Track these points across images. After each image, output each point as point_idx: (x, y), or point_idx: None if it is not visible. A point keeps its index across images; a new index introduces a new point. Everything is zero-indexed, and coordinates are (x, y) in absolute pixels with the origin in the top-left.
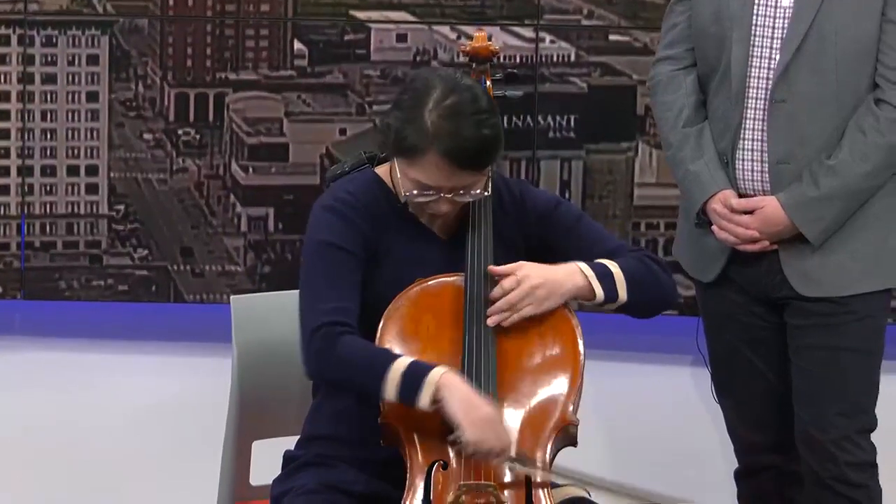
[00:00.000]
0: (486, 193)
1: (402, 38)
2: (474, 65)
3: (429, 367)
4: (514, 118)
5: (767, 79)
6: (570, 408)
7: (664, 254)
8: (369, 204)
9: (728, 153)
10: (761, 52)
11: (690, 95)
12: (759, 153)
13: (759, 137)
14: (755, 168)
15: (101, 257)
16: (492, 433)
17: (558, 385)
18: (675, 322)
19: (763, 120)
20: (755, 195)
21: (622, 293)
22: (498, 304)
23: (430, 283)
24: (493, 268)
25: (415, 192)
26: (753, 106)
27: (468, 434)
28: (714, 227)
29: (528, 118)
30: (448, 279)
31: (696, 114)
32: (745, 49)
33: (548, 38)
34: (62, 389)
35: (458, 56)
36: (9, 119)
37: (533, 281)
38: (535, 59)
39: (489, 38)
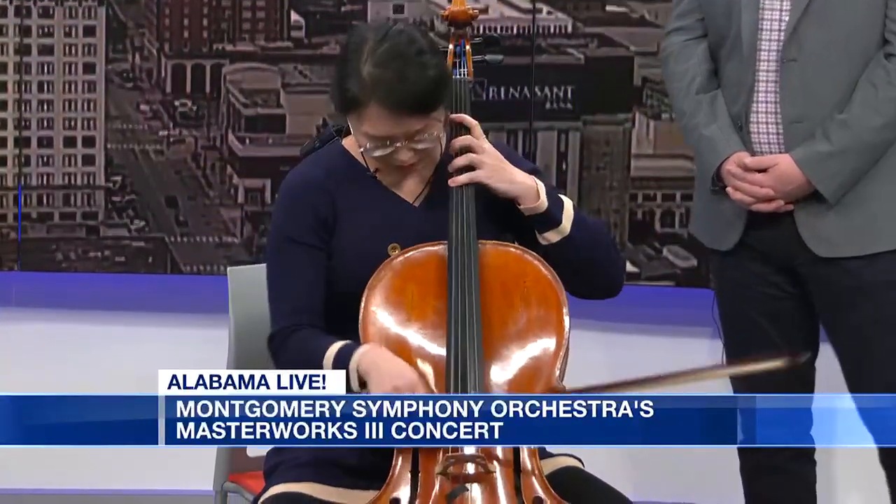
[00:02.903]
0: (442, 136)
1: (398, 8)
2: (453, 29)
3: (350, 354)
4: (510, 89)
5: (778, 40)
6: (556, 373)
7: (662, 225)
8: (334, 175)
9: (742, 116)
10: (771, 15)
11: (702, 64)
12: (773, 115)
13: (773, 99)
14: (769, 130)
15: (98, 228)
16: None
17: (544, 352)
18: (690, 294)
19: (775, 81)
20: None
21: (567, 222)
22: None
23: (412, 252)
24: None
25: (370, 146)
26: (765, 68)
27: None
28: (729, 189)
29: (525, 90)
30: (431, 248)
31: (709, 81)
32: (755, 13)
33: (545, 8)
34: (59, 361)
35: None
36: (6, 90)
37: (491, 151)
38: (531, 30)
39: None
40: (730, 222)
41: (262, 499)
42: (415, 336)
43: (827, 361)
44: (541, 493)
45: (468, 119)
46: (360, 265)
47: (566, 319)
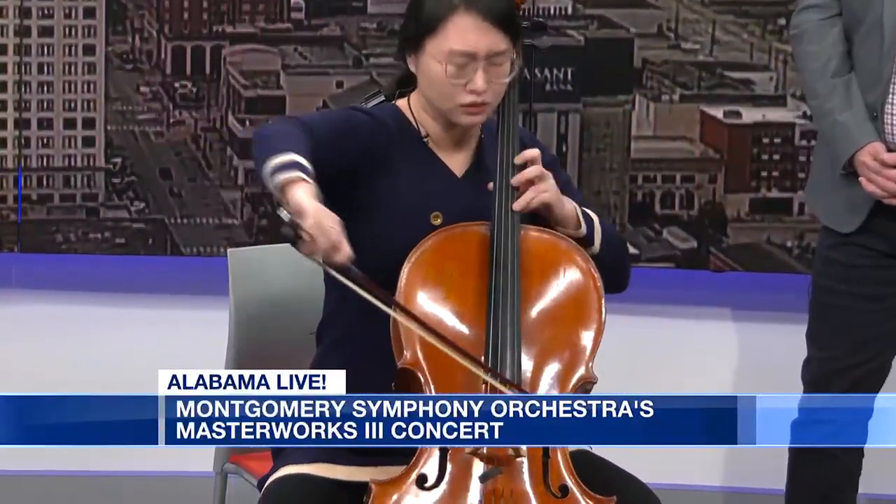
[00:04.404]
0: (514, 76)
1: None
2: None
3: (309, 174)
4: None
5: None
6: (591, 364)
7: (662, 206)
8: (391, 129)
9: (877, 106)
10: None
11: (837, 45)
12: None
13: None
14: None
15: (98, 210)
16: (333, 222)
17: (581, 341)
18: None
19: None
20: None
21: (597, 242)
22: (526, 173)
23: (455, 230)
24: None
25: (451, 67)
26: None
27: (308, 215)
28: (862, 179)
29: (525, 71)
30: (473, 227)
31: (843, 64)
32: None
33: None
34: (59, 342)
35: None
36: (6, 72)
37: (548, 175)
38: (531, 11)
39: None
40: (856, 206)
41: (269, 480)
42: (451, 315)
43: None
44: (568, 480)
45: (533, 153)
46: (401, 227)
47: (604, 308)
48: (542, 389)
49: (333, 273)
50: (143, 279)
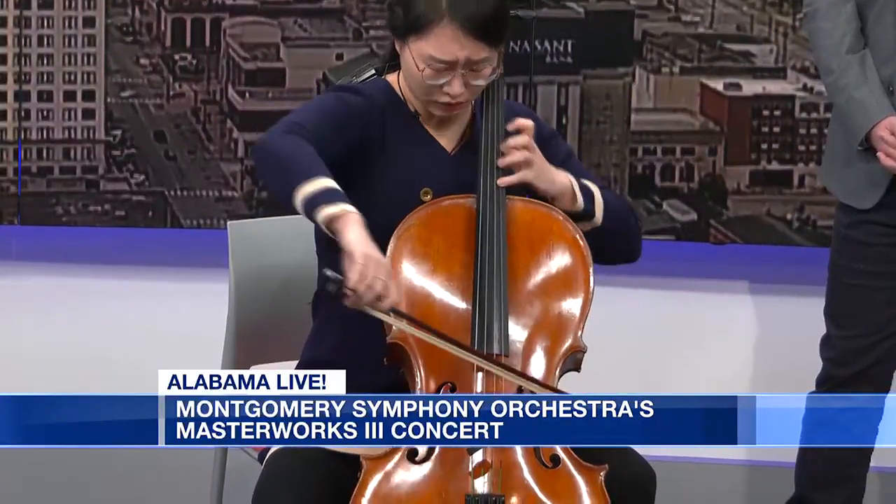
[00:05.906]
0: (495, 77)
1: None
2: None
3: (346, 200)
4: (510, 43)
5: None
6: (580, 333)
7: (662, 179)
8: (382, 106)
9: (893, 81)
10: None
11: (851, 22)
12: None
13: None
14: None
15: (98, 182)
16: (378, 271)
17: (569, 309)
18: (690, 248)
19: None
20: None
21: (598, 214)
22: (514, 141)
23: (441, 203)
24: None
25: (429, 71)
26: None
27: (355, 264)
28: (879, 154)
29: (525, 43)
30: (460, 200)
31: (857, 41)
32: None
33: None
34: (58, 315)
35: None
36: (5, 44)
37: (538, 151)
38: None
39: None
40: (874, 182)
41: (269, 453)
42: (439, 289)
43: None
44: (559, 450)
45: (525, 122)
46: (392, 204)
47: (591, 277)
48: (531, 359)
49: (378, 317)
50: (143, 251)
